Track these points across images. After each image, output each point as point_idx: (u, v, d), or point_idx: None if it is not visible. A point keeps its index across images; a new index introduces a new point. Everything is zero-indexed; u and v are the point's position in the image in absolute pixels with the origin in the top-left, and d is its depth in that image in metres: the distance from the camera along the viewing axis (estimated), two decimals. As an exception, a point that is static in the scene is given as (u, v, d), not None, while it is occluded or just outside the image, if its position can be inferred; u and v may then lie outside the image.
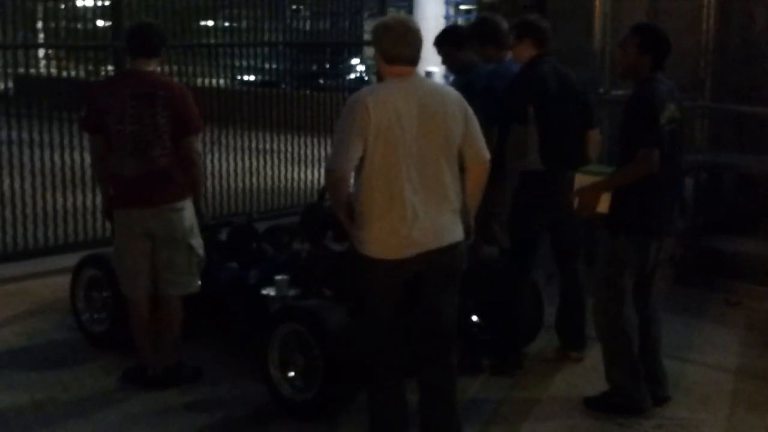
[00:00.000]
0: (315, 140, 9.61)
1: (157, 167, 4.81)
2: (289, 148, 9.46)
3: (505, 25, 5.76)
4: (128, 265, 4.96)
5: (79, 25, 9.43)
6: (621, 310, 4.57)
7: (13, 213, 7.69)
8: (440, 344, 4.11)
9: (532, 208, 5.25)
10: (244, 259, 5.83)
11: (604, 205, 4.56)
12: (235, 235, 6.09)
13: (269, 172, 9.34)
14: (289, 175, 9.56)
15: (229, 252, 5.93)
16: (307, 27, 9.57)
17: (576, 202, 4.69)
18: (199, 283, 5.12)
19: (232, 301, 5.48)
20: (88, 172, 7.57)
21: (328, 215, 5.37)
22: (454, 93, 4.09)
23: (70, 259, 6.67)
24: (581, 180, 5.02)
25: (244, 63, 9.48)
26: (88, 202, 7.90)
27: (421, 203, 3.86)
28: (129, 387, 5.04)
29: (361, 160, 3.85)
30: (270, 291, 5.14)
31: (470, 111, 4.05)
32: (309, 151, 9.69)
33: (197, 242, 5.04)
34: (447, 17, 14.96)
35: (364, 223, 3.90)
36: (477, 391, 5.04)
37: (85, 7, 10.33)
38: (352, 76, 20.42)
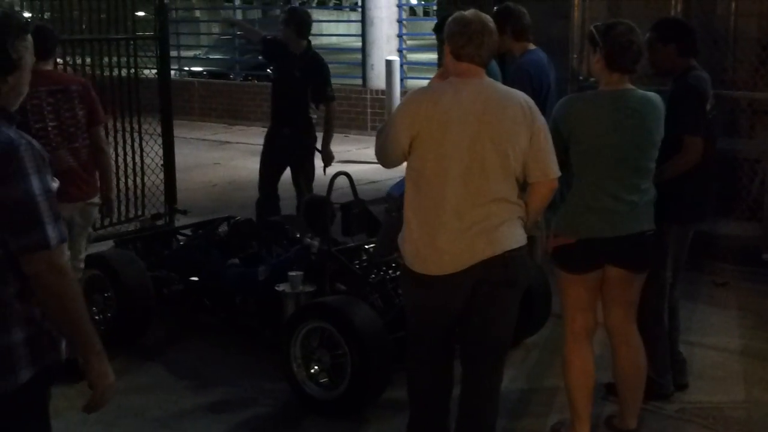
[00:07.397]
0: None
1: (81, 159, 5.08)
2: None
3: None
4: None
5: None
6: (663, 303, 4.61)
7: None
8: (491, 359, 3.89)
9: None
10: (246, 256, 5.76)
11: None
12: (235, 231, 6.00)
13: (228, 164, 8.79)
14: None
15: (229, 248, 5.84)
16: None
17: None
18: None
19: (241, 298, 5.41)
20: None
21: (334, 208, 5.36)
22: (521, 101, 3.68)
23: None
24: None
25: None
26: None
27: (467, 213, 3.57)
28: (143, 390, 4.94)
29: (408, 165, 3.69)
30: (285, 287, 5.07)
31: (540, 122, 3.67)
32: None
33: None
34: (400, 5, 14.65)
35: (408, 234, 3.69)
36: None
37: None
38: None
